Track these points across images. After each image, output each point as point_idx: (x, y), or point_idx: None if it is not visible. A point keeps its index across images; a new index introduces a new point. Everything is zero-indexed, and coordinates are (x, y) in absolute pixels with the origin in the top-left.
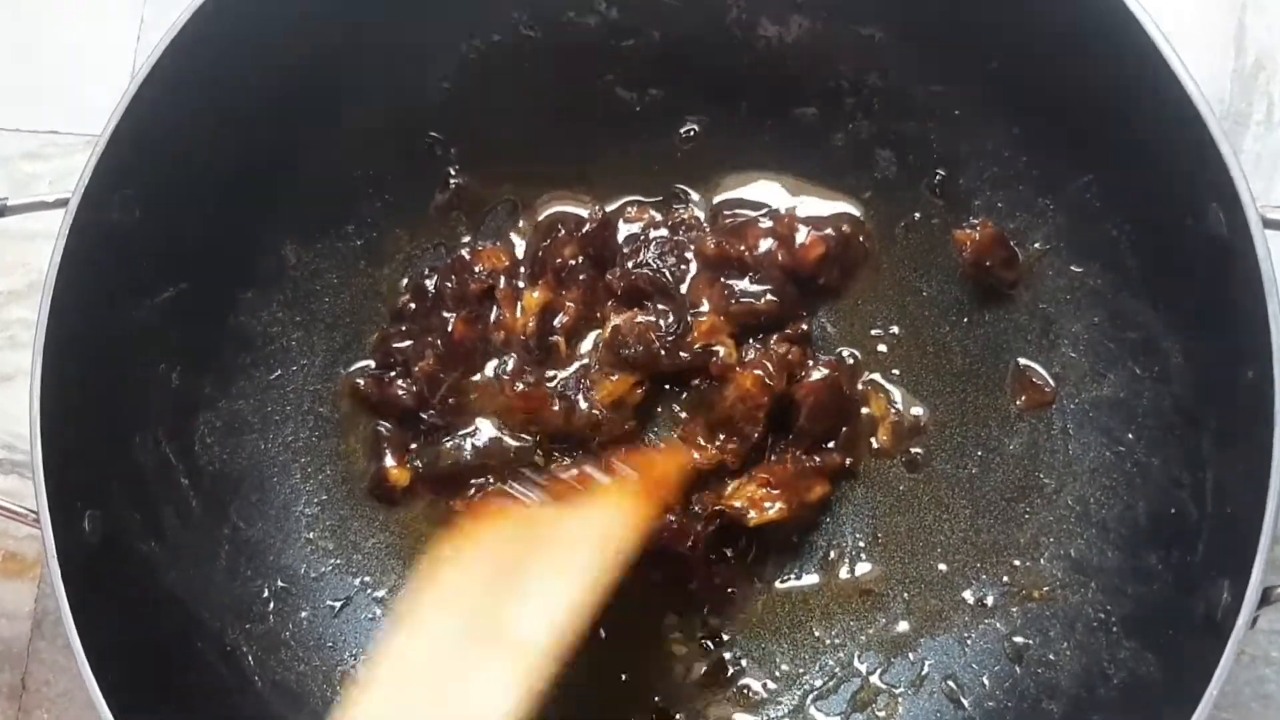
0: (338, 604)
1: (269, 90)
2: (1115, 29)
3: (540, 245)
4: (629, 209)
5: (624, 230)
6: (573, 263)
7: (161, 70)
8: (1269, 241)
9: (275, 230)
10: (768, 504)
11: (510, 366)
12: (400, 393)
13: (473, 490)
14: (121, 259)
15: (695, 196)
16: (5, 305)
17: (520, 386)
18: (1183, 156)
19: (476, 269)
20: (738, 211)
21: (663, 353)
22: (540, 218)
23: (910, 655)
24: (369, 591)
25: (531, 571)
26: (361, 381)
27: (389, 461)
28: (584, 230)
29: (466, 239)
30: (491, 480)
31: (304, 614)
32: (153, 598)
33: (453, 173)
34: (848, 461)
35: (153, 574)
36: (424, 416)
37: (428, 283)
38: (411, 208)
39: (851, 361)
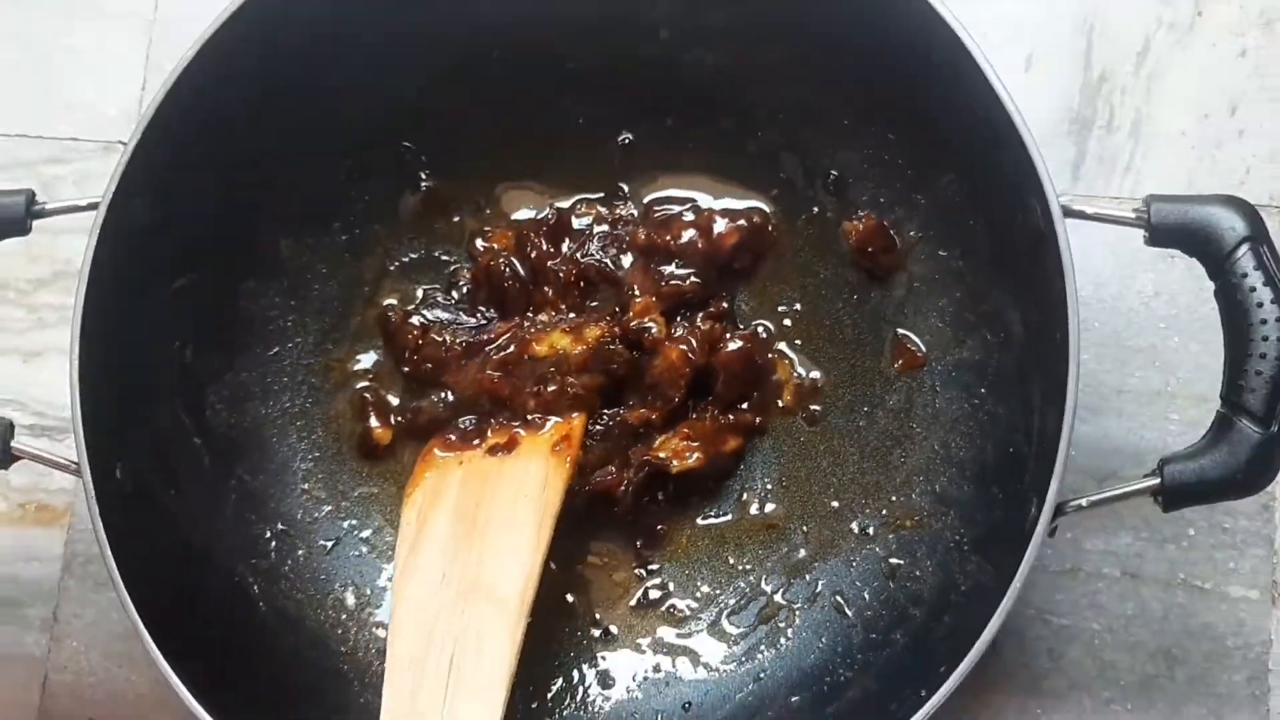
0: (329, 543)
1: (265, 110)
2: (954, 59)
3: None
4: (579, 206)
5: (576, 223)
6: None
7: (174, 96)
8: (1069, 231)
9: (272, 227)
10: (688, 454)
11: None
12: (409, 336)
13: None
14: (142, 252)
15: (629, 188)
16: (36, 291)
17: (498, 376)
18: (1008, 161)
19: (493, 246)
20: (666, 206)
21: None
22: (511, 216)
23: (807, 577)
24: (356, 533)
25: (490, 522)
26: (392, 314)
27: (374, 422)
28: (544, 227)
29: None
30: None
31: (300, 552)
32: (173, 537)
33: (424, 176)
34: (758, 420)
35: (172, 518)
36: (404, 369)
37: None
38: (388, 207)
39: (764, 334)
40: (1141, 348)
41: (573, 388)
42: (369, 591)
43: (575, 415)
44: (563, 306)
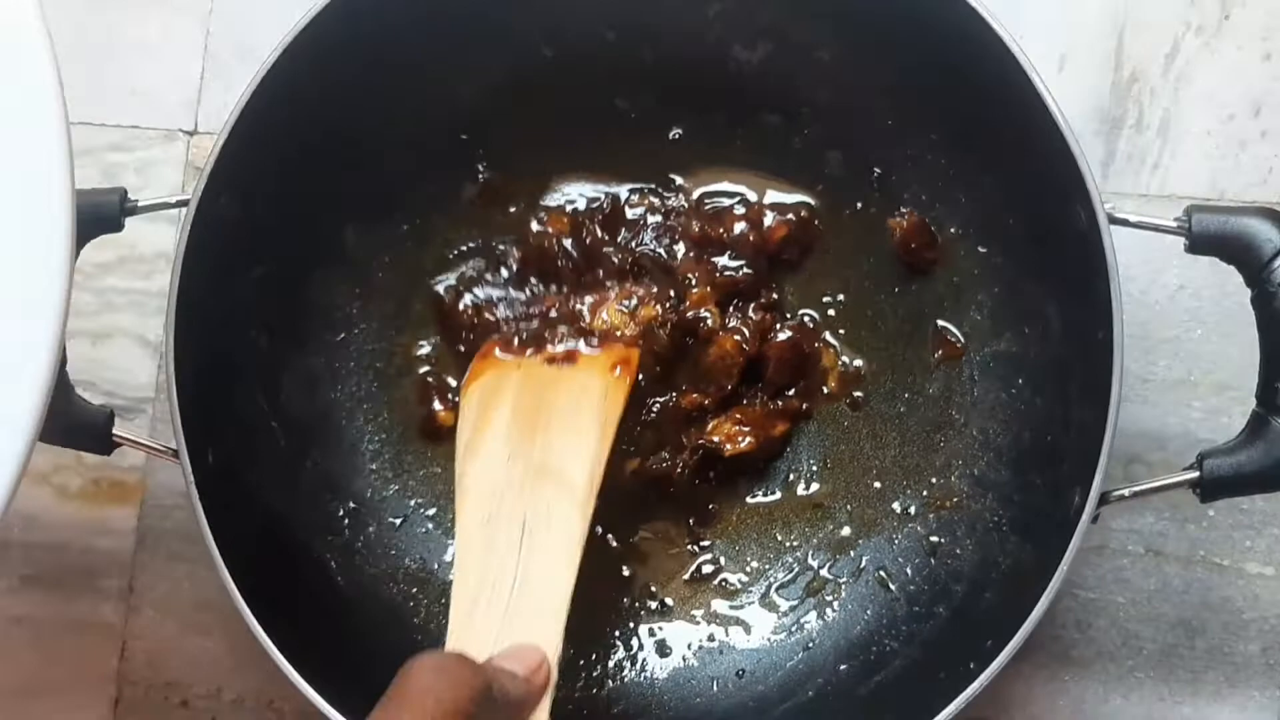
0: (398, 520)
1: (334, 109)
2: (1000, 65)
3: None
4: (634, 196)
5: (630, 213)
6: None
7: (252, 104)
8: (1113, 235)
9: (339, 219)
10: (740, 438)
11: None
12: (464, 317)
13: None
14: (225, 246)
15: (681, 181)
16: (102, 275)
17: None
18: (1053, 166)
19: (548, 229)
20: (718, 200)
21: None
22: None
23: (851, 553)
24: (422, 510)
25: (552, 421)
26: (446, 296)
27: (436, 405)
28: (600, 215)
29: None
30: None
31: (371, 529)
32: (256, 515)
33: (481, 169)
34: (805, 406)
35: (256, 497)
36: (460, 349)
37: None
38: (448, 199)
39: (810, 324)
40: (1167, 339)
41: (624, 340)
42: (436, 566)
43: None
44: (614, 291)
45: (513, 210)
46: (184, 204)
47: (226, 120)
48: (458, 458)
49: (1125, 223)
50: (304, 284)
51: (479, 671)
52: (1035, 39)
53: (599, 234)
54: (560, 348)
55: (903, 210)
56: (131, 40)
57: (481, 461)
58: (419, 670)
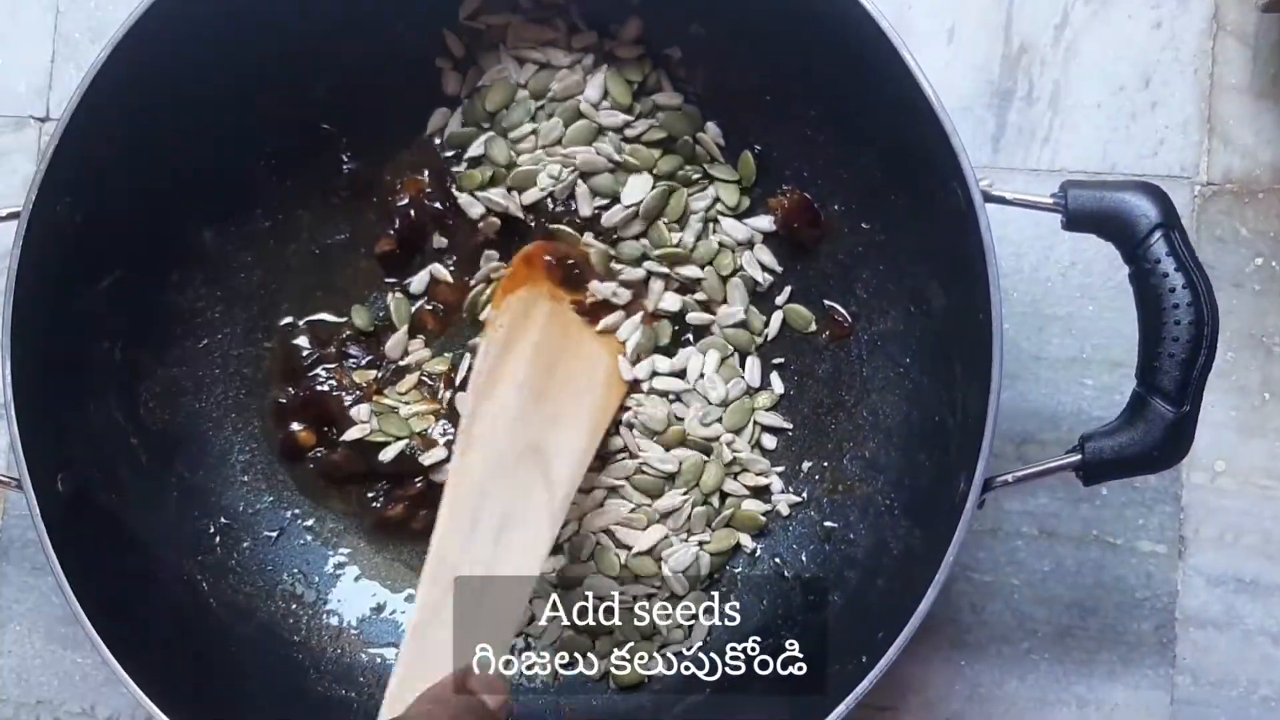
0: (274, 534)
1: (185, 102)
2: (873, 41)
3: None
4: None
5: None
6: None
7: (93, 91)
8: (989, 213)
9: (194, 218)
10: None
11: None
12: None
13: None
14: (67, 255)
15: None
16: None
17: None
18: (929, 142)
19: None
20: None
21: None
22: None
23: None
24: (299, 522)
25: (562, 390)
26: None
27: (295, 425)
28: None
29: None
30: None
31: (246, 544)
32: (118, 540)
33: (345, 159)
34: None
35: (116, 521)
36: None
37: None
38: (313, 191)
39: None
40: (1059, 315)
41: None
42: (317, 579)
43: None
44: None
45: (375, 200)
46: (15, 216)
47: (64, 111)
48: (472, 386)
49: (1002, 200)
50: (160, 289)
51: None
52: (923, 10)
53: None
54: (589, 299)
55: (784, 188)
56: None
57: (494, 409)
58: None
